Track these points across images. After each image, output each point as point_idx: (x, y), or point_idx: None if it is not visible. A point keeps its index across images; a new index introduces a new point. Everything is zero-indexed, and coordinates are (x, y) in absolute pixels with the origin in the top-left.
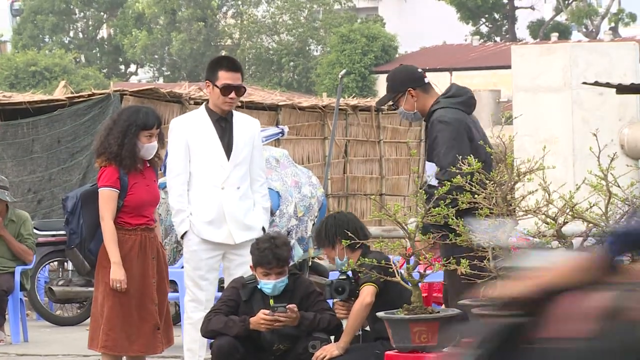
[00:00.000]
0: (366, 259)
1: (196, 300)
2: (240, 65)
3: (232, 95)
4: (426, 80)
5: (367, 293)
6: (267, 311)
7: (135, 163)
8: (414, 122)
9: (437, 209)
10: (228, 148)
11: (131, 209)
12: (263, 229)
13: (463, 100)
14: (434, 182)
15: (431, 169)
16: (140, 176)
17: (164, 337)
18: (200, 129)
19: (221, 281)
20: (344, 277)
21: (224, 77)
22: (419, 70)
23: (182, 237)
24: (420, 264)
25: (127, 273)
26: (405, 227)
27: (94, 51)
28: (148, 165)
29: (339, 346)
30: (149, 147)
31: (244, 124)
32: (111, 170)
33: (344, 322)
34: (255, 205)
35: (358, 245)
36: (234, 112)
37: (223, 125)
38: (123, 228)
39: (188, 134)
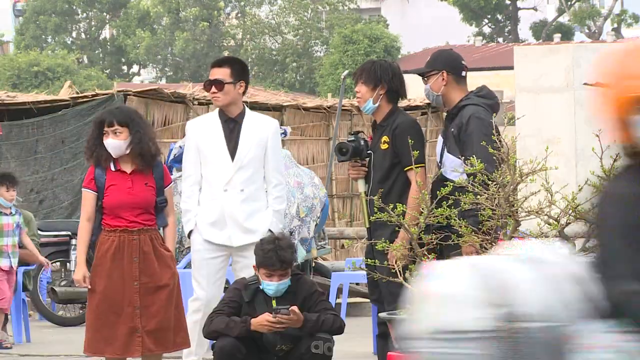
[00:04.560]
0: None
1: (197, 299)
2: (227, 60)
3: (212, 89)
4: (463, 74)
5: (413, 177)
6: (270, 315)
7: (104, 161)
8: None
9: (439, 209)
10: (234, 150)
11: (108, 210)
12: (271, 231)
13: (492, 103)
14: (452, 176)
15: (452, 162)
16: (122, 177)
17: (153, 340)
18: (210, 131)
19: (228, 282)
20: (352, 138)
21: (210, 74)
22: (463, 62)
23: (188, 236)
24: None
25: (101, 275)
26: (408, 227)
27: (96, 52)
28: (143, 167)
29: (403, 237)
30: (108, 144)
31: (256, 125)
32: (90, 171)
33: (360, 183)
34: (268, 207)
35: (394, 102)
36: (249, 112)
37: (232, 126)
38: (104, 229)
39: (198, 136)
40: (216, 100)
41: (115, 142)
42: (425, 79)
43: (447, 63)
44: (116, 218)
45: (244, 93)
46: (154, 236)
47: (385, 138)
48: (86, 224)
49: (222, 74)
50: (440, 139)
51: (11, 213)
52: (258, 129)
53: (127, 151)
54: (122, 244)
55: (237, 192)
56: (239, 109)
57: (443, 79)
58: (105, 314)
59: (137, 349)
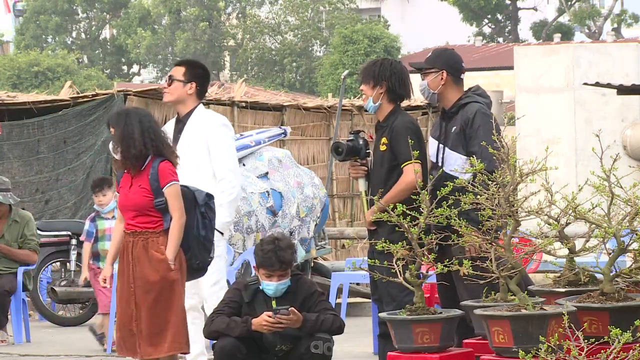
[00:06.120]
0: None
1: None
2: (186, 61)
3: (165, 85)
4: (462, 76)
5: (408, 171)
6: (270, 314)
7: (114, 162)
8: (428, 108)
9: (439, 209)
10: None
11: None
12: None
13: (488, 103)
14: (465, 177)
15: (457, 160)
16: (127, 179)
17: (149, 343)
18: (168, 132)
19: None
20: (351, 137)
21: None
22: (463, 64)
23: None
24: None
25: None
26: (408, 227)
27: (96, 52)
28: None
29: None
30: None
31: (198, 124)
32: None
33: (360, 182)
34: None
35: (395, 101)
36: (197, 112)
37: (179, 127)
38: None
39: None
40: (164, 96)
41: (111, 144)
42: (424, 74)
43: (448, 63)
44: (125, 220)
45: (200, 96)
46: (150, 239)
47: (384, 139)
48: (117, 224)
49: (176, 71)
50: (432, 140)
51: (113, 217)
52: (199, 127)
53: None
54: (125, 245)
55: None
56: (187, 109)
57: (442, 78)
58: (117, 315)
59: (134, 350)
